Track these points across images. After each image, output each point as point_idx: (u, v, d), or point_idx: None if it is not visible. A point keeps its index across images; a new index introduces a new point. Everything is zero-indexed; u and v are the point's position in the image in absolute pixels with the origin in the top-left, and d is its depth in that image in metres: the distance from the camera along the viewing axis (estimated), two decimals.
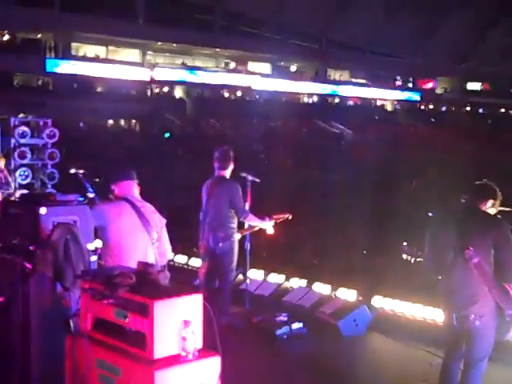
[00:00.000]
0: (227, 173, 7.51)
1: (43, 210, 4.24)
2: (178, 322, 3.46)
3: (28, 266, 4.10)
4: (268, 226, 7.74)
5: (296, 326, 7.52)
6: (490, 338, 4.95)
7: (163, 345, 3.43)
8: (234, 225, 7.46)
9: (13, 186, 10.04)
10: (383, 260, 9.38)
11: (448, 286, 5.04)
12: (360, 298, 7.96)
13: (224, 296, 7.47)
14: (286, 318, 7.69)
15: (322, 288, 8.44)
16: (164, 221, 5.56)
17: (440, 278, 5.11)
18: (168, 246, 5.63)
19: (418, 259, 5.27)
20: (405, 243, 5.36)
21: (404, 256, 5.34)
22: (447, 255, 4.94)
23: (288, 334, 7.43)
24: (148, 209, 5.49)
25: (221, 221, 7.41)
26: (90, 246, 4.26)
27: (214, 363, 3.57)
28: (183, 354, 3.48)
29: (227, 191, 7.36)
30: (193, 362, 3.48)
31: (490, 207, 5.03)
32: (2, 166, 9.96)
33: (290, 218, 7.83)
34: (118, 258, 5.15)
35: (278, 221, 7.74)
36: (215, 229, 7.41)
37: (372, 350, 7.42)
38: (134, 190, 5.55)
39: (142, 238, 5.35)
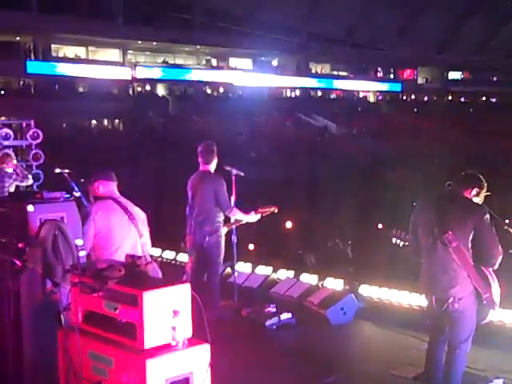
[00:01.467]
0: (211, 167, 7.54)
1: (31, 208, 4.28)
2: (167, 311, 3.53)
3: (18, 263, 4.15)
4: (253, 220, 7.80)
5: (285, 316, 7.60)
6: (471, 320, 5.04)
7: (153, 334, 3.50)
8: (220, 219, 7.50)
9: (30, 178, 10.33)
10: (369, 249, 9.49)
11: (428, 269, 5.15)
12: (347, 287, 8.05)
13: (213, 290, 7.53)
14: (274, 309, 7.77)
15: (309, 278, 8.53)
16: (144, 214, 5.75)
17: (422, 260, 5.22)
18: (148, 239, 5.80)
19: (406, 243, 5.41)
20: (394, 229, 5.50)
21: (393, 240, 5.49)
22: (427, 239, 5.06)
23: (277, 324, 7.51)
24: (130, 204, 5.71)
25: (207, 215, 7.45)
26: (78, 242, 4.31)
27: (204, 351, 3.64)
28: (173, 343, 3.54)
29: (212, 186, 7.39)
30: (183, 351, 3.55)
31: (475, 196, 5.11)
32: (15, 162, 10.14)
33: (276, 211, 7.90)
34: (112, 253, 5.33)
35: (263, 214, 7.80)
36: (201, 223, 7.46)
37: (360, 337, 7.51)
38: (115, 189, 5.79)
39: (132, 232, 5.55)
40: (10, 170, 9.70)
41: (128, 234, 5.52)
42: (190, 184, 7.62)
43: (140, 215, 5.71)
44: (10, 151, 10.78)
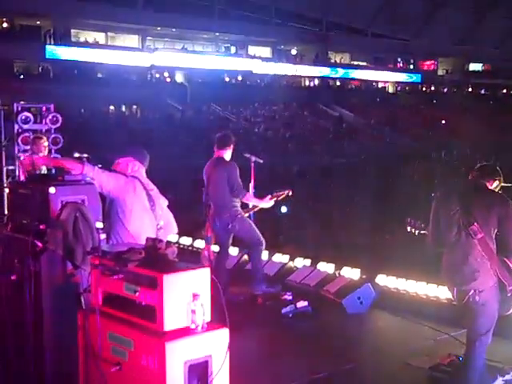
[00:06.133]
0: (225, 154, 7.59)
1: (52, 190, 4.30)
2: (186, 295, 3.54)
3: (39, 244, 4.18)
4: (268, 205, 7.82)
5: (301, 304, 7.59)
6: (491, 313, 5.00)
7: (173, 317, 3.51)
8: (237, 203, 7.55)
9: None
10: (387, 239, 9.47)
11: (450, 261, 5.11)
12: (364, 277, 8.03)
13: (256, 266, 7.74)
14: (290, 297, 7.79)
15: (326, 267, 8.52)
16: (166, 202, 5.52)
17: (444, 251, 5.18)
18: (174, 224, 5.60)
19: (421, 232, 5.38)
20: (409, 218, 5.49)
21: (408, 228, 5.46)
22: (450, 230, 5.02)
23: (293, 312, 7.50)
24: (155, 193, 5.41)
25: (223, 202, 7.50)
26: (99, 224, 4.33)
27: (223, 335, 3.65)
28: (192, 326, 3.55)
29: (225, 172, 7.45)
30: (202, 334, 3.56)
31: (495, 187, 5.12)
32: (46, 144, 10.20)
33: (291, 194, 7.90)
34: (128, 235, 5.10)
35: (278, 198, 7.82)
36: (220, 210, 7.51)
37: (376, 326, 7.50)
38: (143, 172, 5.48)
39: (150, 220, 5.28)
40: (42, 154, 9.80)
41: (146, 221, 5.22)
42: (205, 171, 7.69)
43: (162, 206, 5.40)
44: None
